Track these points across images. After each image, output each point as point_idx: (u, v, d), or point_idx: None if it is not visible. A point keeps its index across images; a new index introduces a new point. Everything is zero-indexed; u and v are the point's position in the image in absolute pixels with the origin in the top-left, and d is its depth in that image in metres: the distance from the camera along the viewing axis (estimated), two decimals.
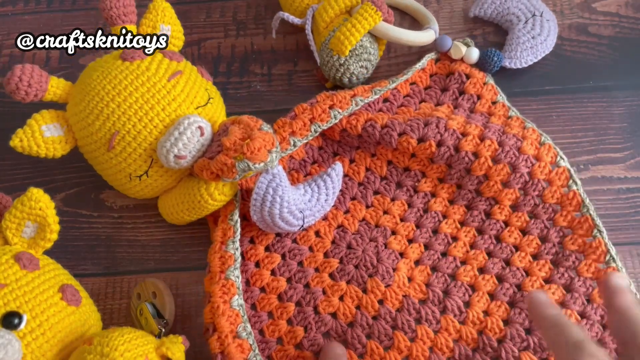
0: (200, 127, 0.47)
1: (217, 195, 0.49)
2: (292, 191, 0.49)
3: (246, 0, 0.67)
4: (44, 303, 0.43)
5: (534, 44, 0.59)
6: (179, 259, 0.55)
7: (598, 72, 0.60)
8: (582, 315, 0.49)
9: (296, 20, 0.60)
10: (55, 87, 0.51)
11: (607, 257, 0.50)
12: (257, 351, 0.46)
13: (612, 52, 0.61)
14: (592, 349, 0.36)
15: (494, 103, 0.59)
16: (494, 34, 0.63)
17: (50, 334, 0.42)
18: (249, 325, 0.47)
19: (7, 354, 0.39)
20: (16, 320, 0.41)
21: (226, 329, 0.46)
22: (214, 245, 0.50)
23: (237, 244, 0.50)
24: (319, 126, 0.54)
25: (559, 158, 0.54)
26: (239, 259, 0.49)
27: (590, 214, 0.52)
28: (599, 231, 0.51)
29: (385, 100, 0.59)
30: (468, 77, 0.60)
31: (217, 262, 0.49)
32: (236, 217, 0.51)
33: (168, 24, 0.54)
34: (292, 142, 0.53)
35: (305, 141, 0.54)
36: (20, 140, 0.49)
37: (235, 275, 0.48)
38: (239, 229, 0.50)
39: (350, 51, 0.56)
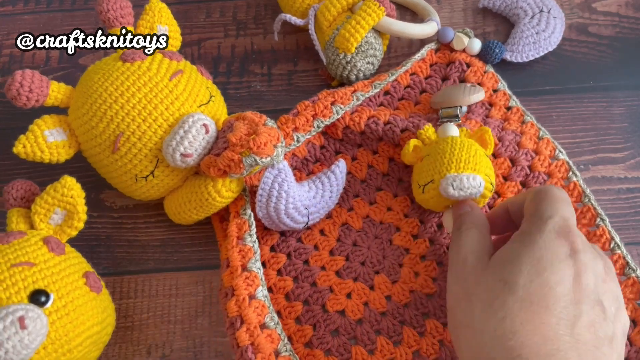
0: (204, 125, 0.47)
1: (225, 191, 0.48)
2: (297, 187, 0.49)
3: (246, 0, 0.67)
4: (70, 285, 0.44)
5: (537, 39, 0.59)
6: (179, 259, 0.55)
7: (598, 72, 0.61)
8: None
9: (298, 22, 0.59)
10: (56, 91, 0.50)
11: (612, 244, 0.50)
12: (286, 340, 0.46)
13: (612, 52, 0.62)
14: None
15: (495, 91, 0.59)
16: (494, 34, 0.63)
17: (74, 315, 0.44)
18: (275, 315, 0.47)
19: (36, 327, 0.40)
20: (43, 298, 0.42)
21: (254, 320, 0.45)
22: (231, 241, 0.49)
23: (255, 236, 0.50)
24: (322, 122, 0.54)
25: (557, 152, 0.54)
26: (258, 252, 0.49)
27: (591, 204, 0.52)
28: (602, 219, 0.51)
29: (386, 92, 0.59)
30: (468, 65, 0.60)
31: (237, 255, 0.48)
32: (249, 210, 0.51)
33: (165, 25, 0.53)
34: (295, 138, 0.53)
35: (309, 136, 0.54)
36: (24, 147, 0.48)
37: (257, 267, 0.48)
38: (254, 222, 0.50)
39: (356, 48, 0.56)
